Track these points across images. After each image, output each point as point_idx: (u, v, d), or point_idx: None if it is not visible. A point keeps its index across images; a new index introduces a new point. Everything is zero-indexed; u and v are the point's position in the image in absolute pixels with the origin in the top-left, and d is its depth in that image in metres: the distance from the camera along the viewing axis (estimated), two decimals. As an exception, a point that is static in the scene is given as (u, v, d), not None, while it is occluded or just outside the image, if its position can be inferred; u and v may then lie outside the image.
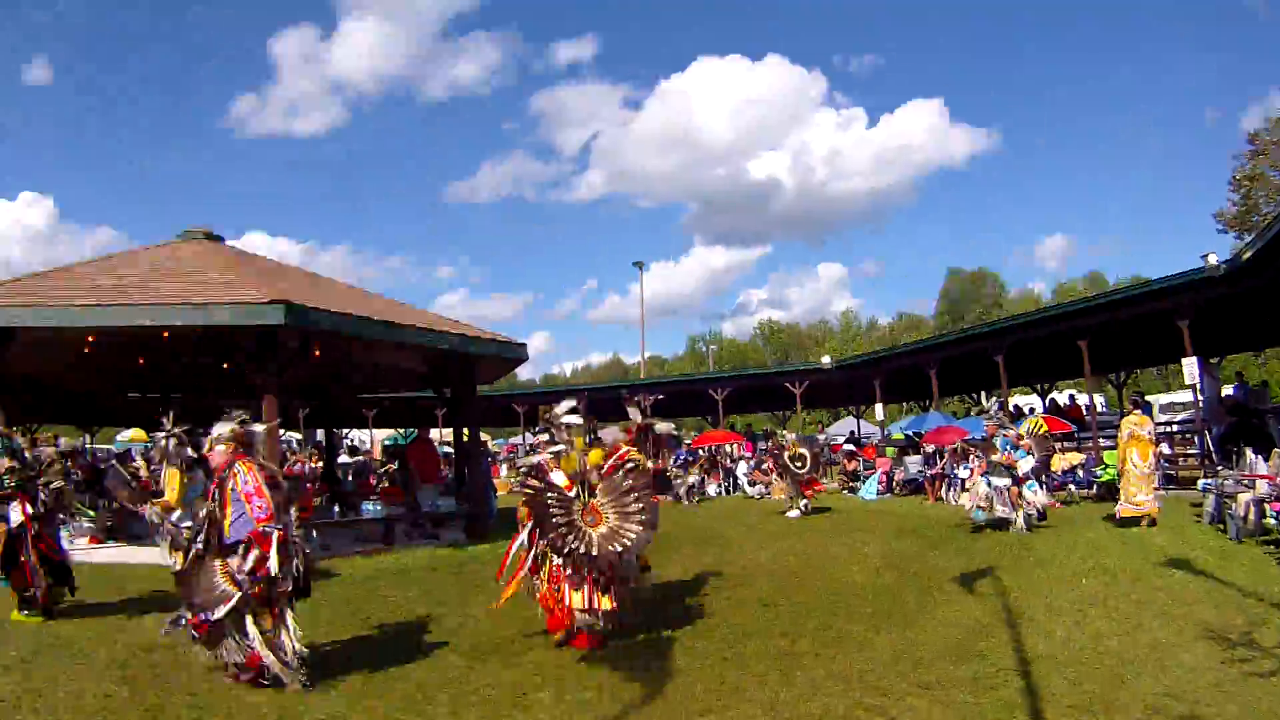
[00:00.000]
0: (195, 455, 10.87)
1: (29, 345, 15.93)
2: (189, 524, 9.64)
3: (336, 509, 18.40)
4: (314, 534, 15.22)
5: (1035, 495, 15.72)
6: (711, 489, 29.83)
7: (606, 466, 9.20)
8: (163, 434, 10.74)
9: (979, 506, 15.81)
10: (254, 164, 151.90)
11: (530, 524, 8.80)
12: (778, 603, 10.51)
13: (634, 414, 10.94)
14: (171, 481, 10.98)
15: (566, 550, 8.08)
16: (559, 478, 8.65)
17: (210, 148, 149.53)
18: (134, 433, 43.07)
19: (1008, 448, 15.88)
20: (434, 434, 31.00)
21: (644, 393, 37.61)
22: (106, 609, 10.35)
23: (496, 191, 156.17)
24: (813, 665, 7.88)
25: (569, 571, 8.35)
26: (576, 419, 9.22)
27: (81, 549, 14.93)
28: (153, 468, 13.48)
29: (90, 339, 15.89)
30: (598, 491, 8.81)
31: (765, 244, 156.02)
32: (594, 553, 8.13)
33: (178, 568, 8.97)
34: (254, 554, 7.22)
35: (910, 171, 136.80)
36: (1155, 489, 15.87)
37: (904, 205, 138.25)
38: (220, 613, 7.17)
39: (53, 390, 24.35)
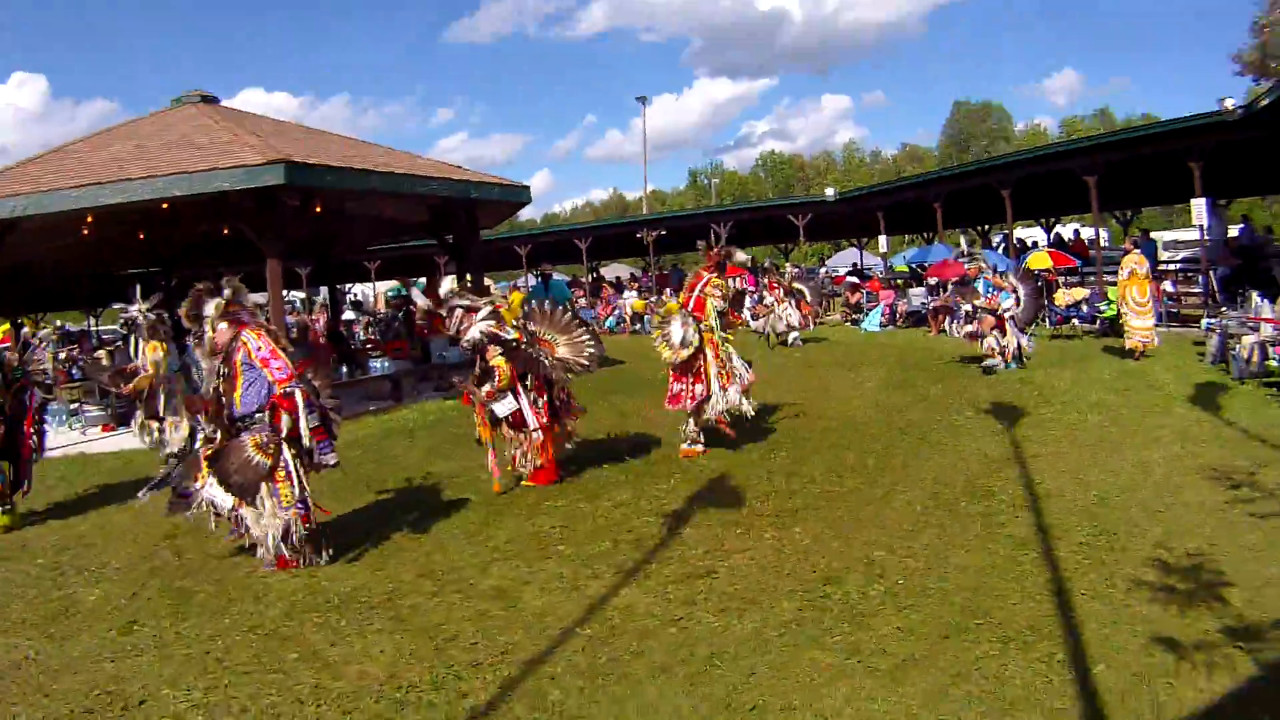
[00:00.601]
0: (172, 328, 11.01)
1: (28, 234, 15.87)
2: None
3: (344, 369, 18.45)
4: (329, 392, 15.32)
5: (1013, 336, 15.28)
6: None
7: (684, 296, 10.45)
8: (134, 310, 10.77)
9: (994, 362, 15.25)
10: (249, 17, 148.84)
11: (508, 382, 9.22)
12: (785, 441, 10.68)
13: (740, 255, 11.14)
14: (153, 354, 11.01)
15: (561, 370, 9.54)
16: (508, 331, 9.29)
17: (203, 3, 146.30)
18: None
19: (990, 290, 15.55)
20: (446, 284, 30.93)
21: (646, 228, 37.73)
22: (126, 498, 10.31)
23: (497, 29, 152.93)
24: (822, 503, 8.04)
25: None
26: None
27: (95, 438, 15.12)
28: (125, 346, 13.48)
29: (89, 219, 15.79)
30: (539, 330, 9.72)
31: (770, 76, 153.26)
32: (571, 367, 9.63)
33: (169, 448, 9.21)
34: (284, 418, 7.19)
35: (922, 4, 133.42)
36: (1154, 324, 16.01)
37: (913, 37, 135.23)
38: (257, 482, 7.16)
39: (53, 277, 24.32)
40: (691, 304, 10.36)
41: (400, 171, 15.76)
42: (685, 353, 10.14)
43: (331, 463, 7.71)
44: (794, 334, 21.79)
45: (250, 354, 7.25)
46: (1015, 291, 15.48)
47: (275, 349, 7.35)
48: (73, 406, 16.61)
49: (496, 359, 9.20)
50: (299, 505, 7.29)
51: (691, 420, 10.47)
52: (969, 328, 15.59)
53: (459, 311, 9.45)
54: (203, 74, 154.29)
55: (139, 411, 10.59)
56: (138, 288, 11.29)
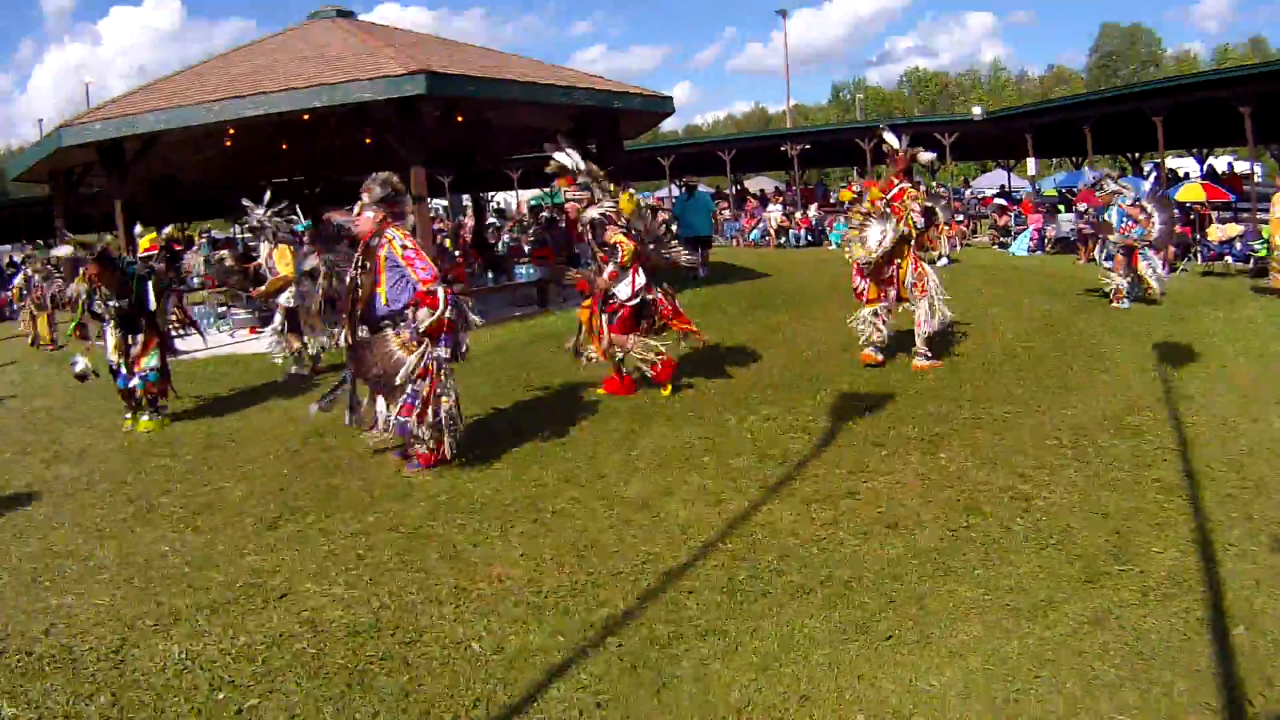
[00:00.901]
0: (297, 232, 11.29)
1: (172, 147, 16.38)
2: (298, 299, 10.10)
3: (490, 275, 18.71)
4: (470, 302, 15.59)
5: (1149, 268, 14.25)
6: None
7: (886, 199, 10.28)
8: (259, 215, 11.03)
9: (1114, 300, 14.33)
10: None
11: (631, 257, 9.39)
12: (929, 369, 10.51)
13: (892, 140, 10.85)
14: (283, 257, 11.29)
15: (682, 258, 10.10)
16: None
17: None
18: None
19: (1123, 220, 14.42)
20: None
21: (791, 142, 37.22)
22: (272, 398, 10.78)
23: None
24: (968, 429, 7.96)
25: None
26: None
27: (243, 339, 15.63)
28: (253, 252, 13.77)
29: (230, 132, 16.18)
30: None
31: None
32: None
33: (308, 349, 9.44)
34: (424, 312, 7.22)
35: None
36: None
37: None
38: (401, 377, 7.26)
39: (199, 187, 25.02)
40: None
41: (542, 81, 15.81)
42: (878, 254, 10.14)
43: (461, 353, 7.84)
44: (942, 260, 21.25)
45: (396, 251, 7.30)
46: (1151, 218, 14.41)
47: (419, 249, 7.44)
48: (220, 310, 17.15)
49: (618, 236, 9.30)
50: (441, 401, 7.41)
51: (875, 323, 10.37)
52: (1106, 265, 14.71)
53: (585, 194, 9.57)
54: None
55: (278, 319, 10.93)
56: (267, 193, 11.59)
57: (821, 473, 6.99)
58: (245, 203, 12.08)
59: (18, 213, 33.65)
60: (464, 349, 7.90)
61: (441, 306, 7.25)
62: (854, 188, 11.71)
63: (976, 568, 5.25)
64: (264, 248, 11.78)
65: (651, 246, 9.65)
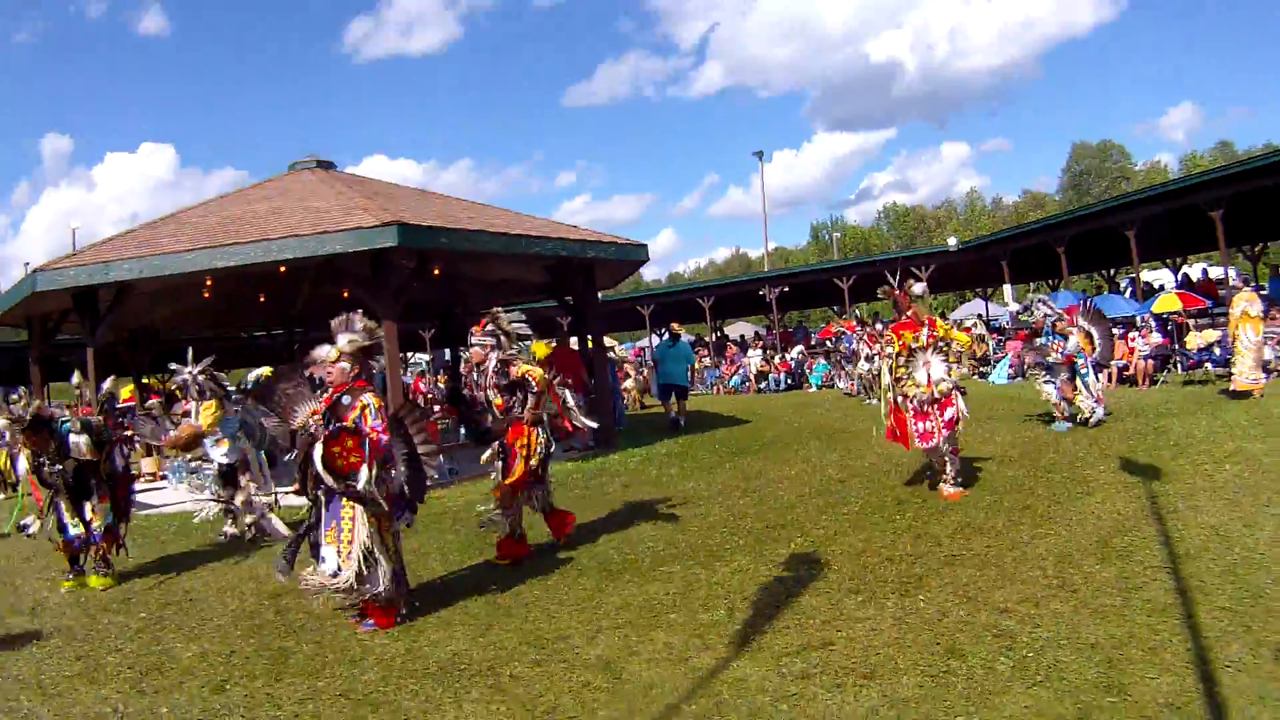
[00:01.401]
0: (225, 388, 11.17)
1: (148, 296, 16.31)
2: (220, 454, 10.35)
3: (463, 431, 18.46)
4: (441, 458, 15.32)
5: (1084, 388, 14.16)
6: (841, 384, 29.02)
7: (910, 339, 10.56)
8: (186, 374, 10.94)
9: (1057, 418, 14.34)
10: (371, 88, 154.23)
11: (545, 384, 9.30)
12: (911, 500, 10.27)
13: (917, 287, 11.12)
14: (206, 411, 11.14)
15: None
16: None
17: (327, 76, 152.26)
18: (265, 370, 44.18)
19: (1054, 339, 14.51)
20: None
21: (768, 285, 37.48)
22: (237, 555, 10.45)
23: (614, 92, 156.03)
24: (948, 567, 7.65)
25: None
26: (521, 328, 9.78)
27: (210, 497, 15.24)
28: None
29: (208, 282, 16.13)
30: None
31: (888, 127, 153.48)
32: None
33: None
34: (365, 470, 7.06)
35: (1034, 45, 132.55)
36: (1266, 363, 16.00)
37: (1029, 80, 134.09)
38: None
39: (179, 339, 25.02)
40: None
41: (515, 232, 15.80)
42: (945, 387, 10.31)
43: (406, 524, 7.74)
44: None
45: (366, 421, 7.17)
46: (1090, 336, 14.47)
47: (383, 417, 7.29)
48: (192, 465, 16.83)
49: (524, 366, 9.17)
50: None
51: (949, 459, 10.43)
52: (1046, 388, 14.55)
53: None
54: (327, 142, 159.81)
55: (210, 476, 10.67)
56: (189, 350, 11.53)
57: (794, 624, 6.64)
58: (172, 365, 11.95)
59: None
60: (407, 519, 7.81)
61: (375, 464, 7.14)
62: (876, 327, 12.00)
63: (958, 714, 4.92)
64: (192, 406, 11.62)
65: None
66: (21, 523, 9.91)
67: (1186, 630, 5.72)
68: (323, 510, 7.36)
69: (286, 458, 8.07)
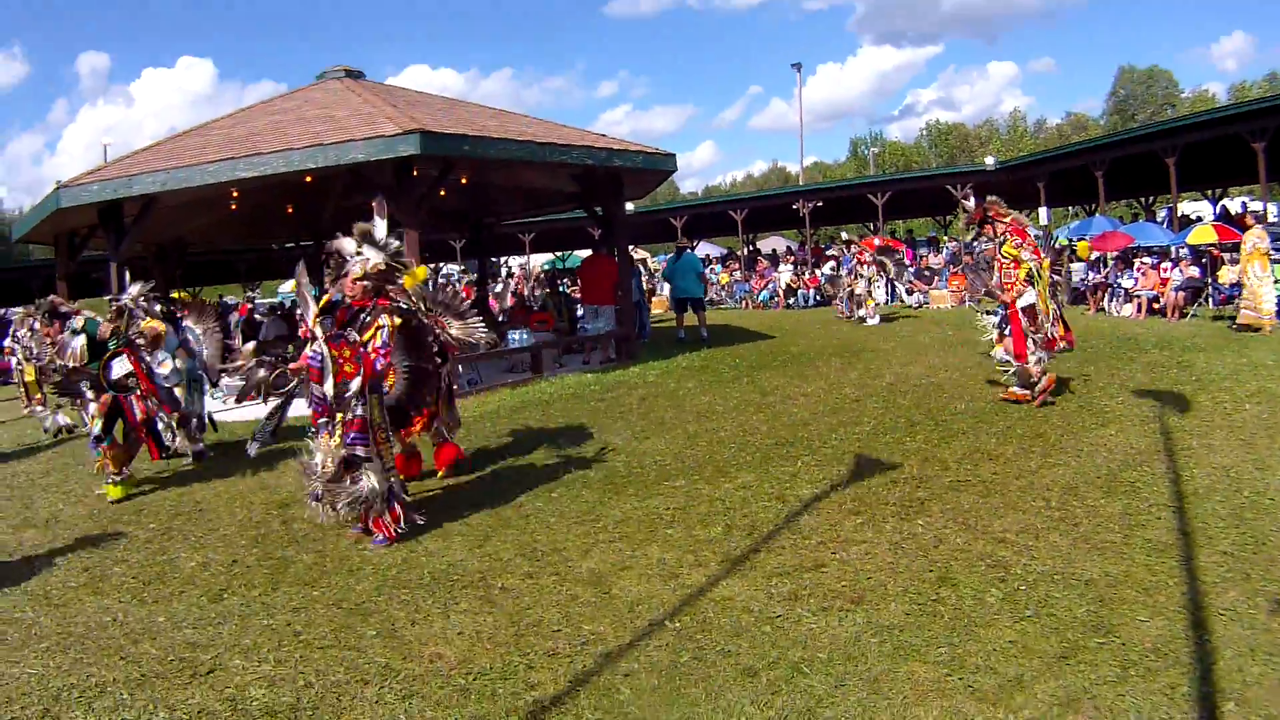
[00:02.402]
0: (170, 312, 11.16)
1: (175, 209, 16.21)
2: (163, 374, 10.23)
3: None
4: (459, 368, 15.35)
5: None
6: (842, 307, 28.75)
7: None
8: (125, 298, 10.88)
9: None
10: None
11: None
12: (924, 423, 10.15)
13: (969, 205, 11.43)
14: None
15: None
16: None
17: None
18: (294, 284, 44.34)
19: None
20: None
21: (802, 199, 37.06)
22: (249, 467, 10.40)
23: (659, 2, 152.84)
24: (952, 492, 7.58)
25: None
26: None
27: (234, 407, 15.26)
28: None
29: (234, 194, 16.04)
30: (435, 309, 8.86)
31: (936, 43, 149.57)
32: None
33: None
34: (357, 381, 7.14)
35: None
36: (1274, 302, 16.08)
37: (1079, 1, 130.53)
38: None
39: (208, 251, 25.01)
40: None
41: (539, 140, 15.55)
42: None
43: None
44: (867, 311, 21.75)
45: (377, 339, 7.25)
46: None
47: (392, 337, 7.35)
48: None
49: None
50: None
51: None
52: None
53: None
54: (367, 52, 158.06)
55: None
56: (127, 274, 11.44)
57: (790, 543, 6.61)
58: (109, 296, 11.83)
59: (25, 275, 33.77)
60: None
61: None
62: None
63: (941, 644, 4.87)
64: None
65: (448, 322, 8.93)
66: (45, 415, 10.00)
67: (1184, 573, 5.63)
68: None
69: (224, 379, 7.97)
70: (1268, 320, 15.89)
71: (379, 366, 7.21)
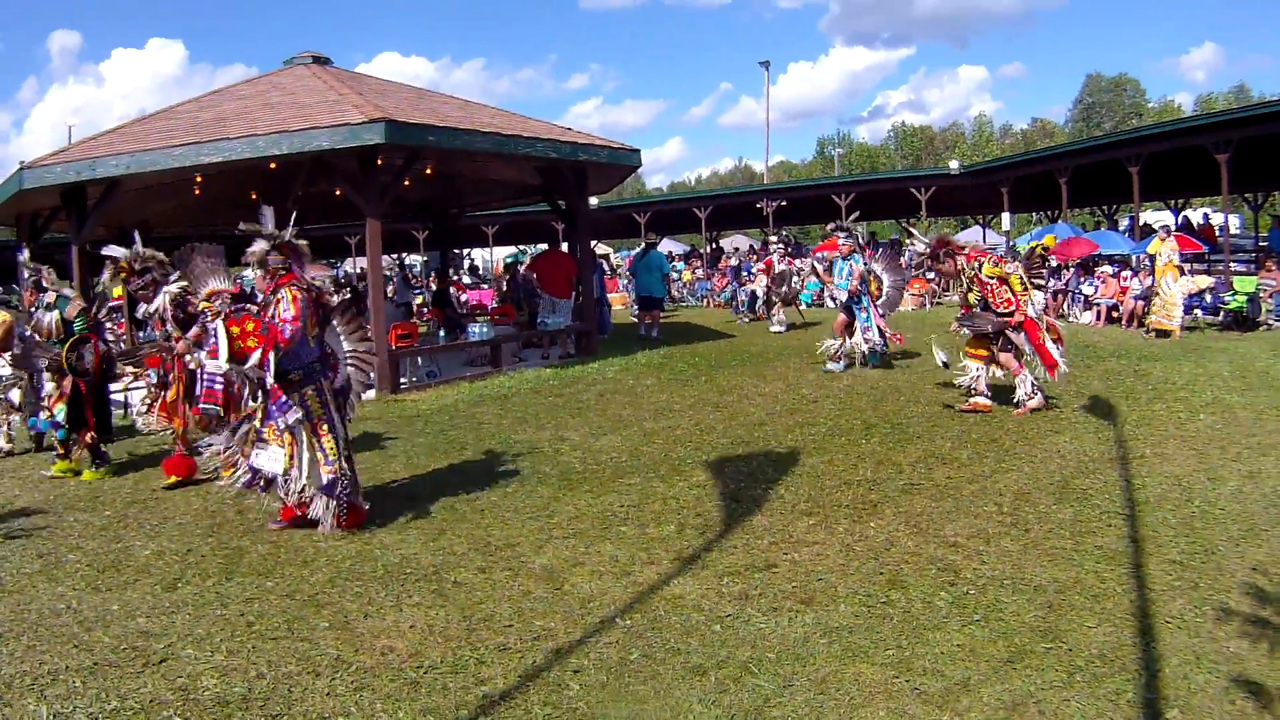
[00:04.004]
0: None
1: (139, 194, 16.06)
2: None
3: (442, 333, 18.43)
4: (419, 360, 15.29)
5: (863, 333, 14.06)
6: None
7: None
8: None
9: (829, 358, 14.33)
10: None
11: None
12: (879, 425, 10.22)
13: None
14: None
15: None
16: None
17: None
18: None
19: (849, 278, 14.18)
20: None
21: (767, 198, 37.16)
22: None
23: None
24: (905, 496, 7.63)
25: None
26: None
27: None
28: None
29: (198, 179, 15.90)
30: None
31: (908, 45, 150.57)
32: None
33: None
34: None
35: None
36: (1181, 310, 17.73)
37: (1053, 6, 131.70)
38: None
39: (170, 238, 24.73)
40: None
41: (506, 132, 15.53)
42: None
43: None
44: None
45: (279, 309, 7.10)
46: (881, 281, 14.53)
47: (296, 315, 7.11)
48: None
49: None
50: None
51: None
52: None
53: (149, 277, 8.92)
54: (338, 37, 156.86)
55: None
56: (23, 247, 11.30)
57: (742, 543, 6.63)
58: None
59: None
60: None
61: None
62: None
63: (890, 647, 4.89)
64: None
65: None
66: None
67: (1133, 581, 5.69)
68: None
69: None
70: (1176, 327, 17.34)
71: (288, 334, 7.05)
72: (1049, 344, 10.52)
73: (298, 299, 7.11)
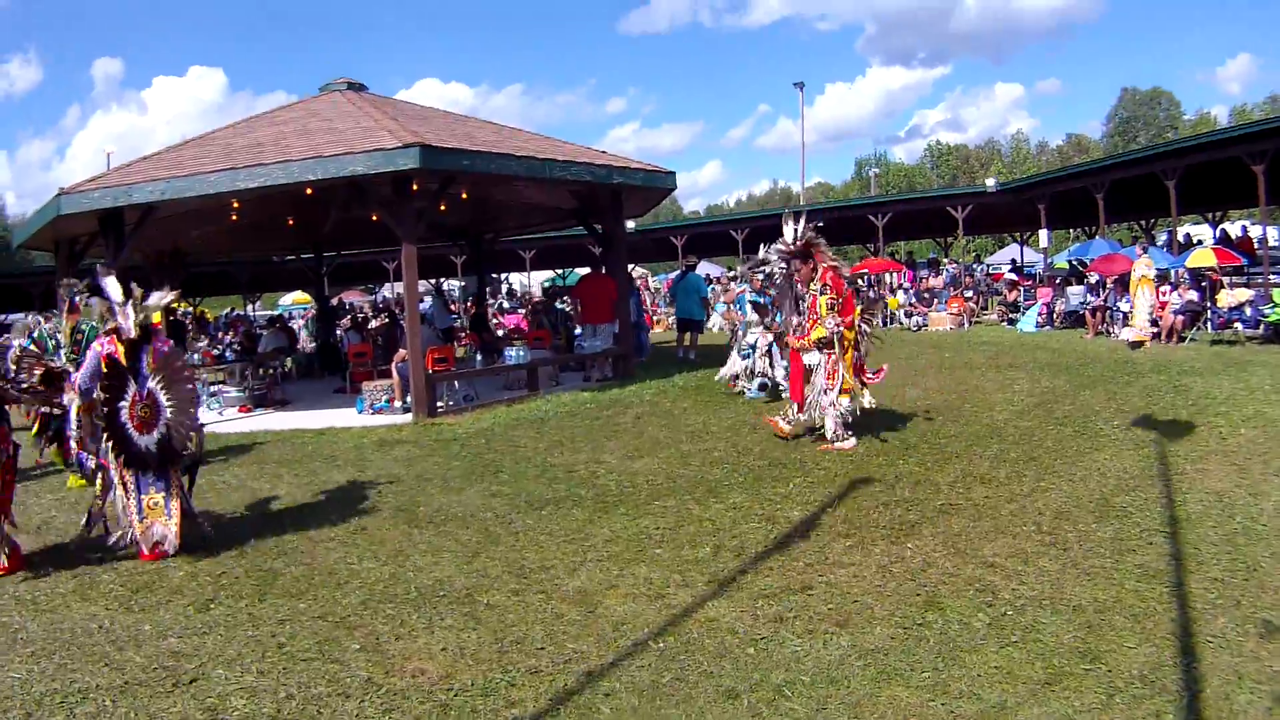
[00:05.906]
0: None
1: (176, 219, 16.24)
2: None
3: (479, 357, 18.46)
4: (456, 384, 15.31)
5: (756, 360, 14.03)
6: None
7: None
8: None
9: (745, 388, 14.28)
10: (426, 9, 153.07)
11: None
12: (919, 446, 10.12)
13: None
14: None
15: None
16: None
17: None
18: (296, 295, 44.63)
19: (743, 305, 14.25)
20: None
21: (804, 219, 36.89)
22: (242, 476, 10.48)
23: (672, 19, 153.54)
24: (943, 516, 7.55)
25: None
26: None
27: (231, 418, 15.58)
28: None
29: (235, 205, 16.06)
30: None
31: (944, 64, 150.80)
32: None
33: None
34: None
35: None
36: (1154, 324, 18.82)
37: (1089, 19, 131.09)
38: None
39: (208, 262, 25.01)
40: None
41: (540, 156, 15.56)
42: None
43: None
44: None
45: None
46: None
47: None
48: (213, 389, 17.02)
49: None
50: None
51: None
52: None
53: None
54: (379, 66, 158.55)
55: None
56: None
57: (778, 565, 6.58)
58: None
59: (24, 282, 33.85)
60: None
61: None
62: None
63: (926, 669, 4.82)
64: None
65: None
66: None
67: (1174, 599, 5.59)
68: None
69: None
70: (1147, 337, 18.43)
71: (72, 378, 7.62)
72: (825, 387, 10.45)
73: (101, 354, 7.62)
